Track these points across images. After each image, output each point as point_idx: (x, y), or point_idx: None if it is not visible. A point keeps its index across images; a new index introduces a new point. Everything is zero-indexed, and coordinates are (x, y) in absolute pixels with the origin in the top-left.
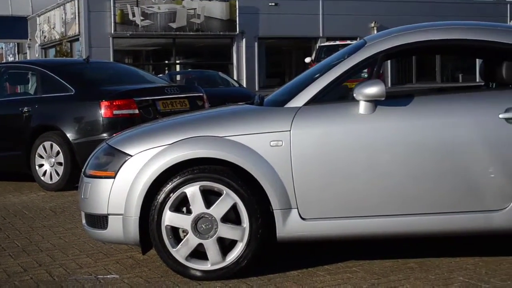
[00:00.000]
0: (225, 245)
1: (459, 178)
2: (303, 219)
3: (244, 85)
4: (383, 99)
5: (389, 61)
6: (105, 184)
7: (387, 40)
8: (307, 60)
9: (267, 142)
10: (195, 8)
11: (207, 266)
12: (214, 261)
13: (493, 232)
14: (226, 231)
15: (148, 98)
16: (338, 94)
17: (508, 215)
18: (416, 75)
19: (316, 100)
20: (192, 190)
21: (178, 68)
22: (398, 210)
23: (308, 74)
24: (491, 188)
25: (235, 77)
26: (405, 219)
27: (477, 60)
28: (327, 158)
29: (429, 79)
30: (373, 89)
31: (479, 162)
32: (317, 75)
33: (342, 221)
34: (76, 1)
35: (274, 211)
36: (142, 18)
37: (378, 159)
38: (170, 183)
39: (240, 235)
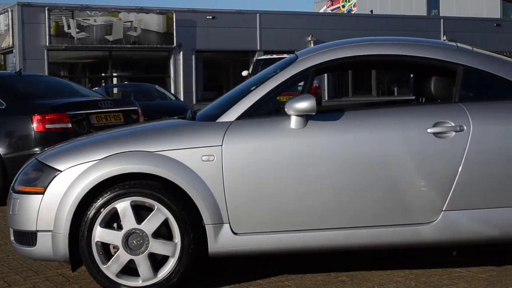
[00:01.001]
0: (157, 261)
1: (389, 192)
2: (235, 233)
3: (182, 99)
4: (314, 113)
5: (325, 74)
6: (34, 200)
7: (317, 55)
8: (244, 73)
9: (199, 157)
10: (132, 21)
11: (138, 282)
12: (145, 277)
13: (423, 245)
14: (158, 246)
15: (81, 112)
16: (271, 109)
17: (437, 228)
18: (353, 88)
19: (248, 114)
20: (123, 206)
21: (115, 81)
22: (330, 224)
23: (241, 89)
24: (420, 202)
25: (172, 90)
26: (336, 232)
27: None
28: (259, 173)
29: (365, 92)
30: (303, 104)
31: (408, 176)
32: (250, 89)
33: (274, 236)
34: (9, 13)
35: (206, 226)
36: (77, 30)
37: (309, 174)
38: (100, 199)
39: (172, 250)
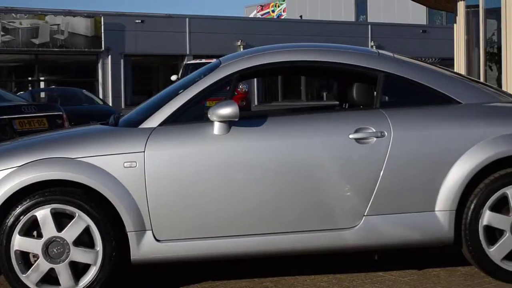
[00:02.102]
0: (78, 269)
1: (312, 197)
2: (158, 241)
3: (110, 103)
4: (236, 119)
5: (255, 79)
6: None
7: (240, 62)
8: (173, 77)
9: (121, 164)
10: (59, 24)
11: None
12: (66, 286)
13: (346, 250)
14: (79, 254)
15: (4, 117)
16: (194, 114)
17: (359, 233)
18: (282, 93)
19: (171, 120)
20: (43, 213)
21: (42, 85)
22: (253, 230)
23: (164, 94)
24: (342, 207)
25: (100, 95)
26: (260, 238)
27: None
28: (181, 180)
29: (295, 97)
30: (226, 110)
31: (330, 182)
32: (173, 95)
33: (197, 242)
34: None
35: (128, 233)
36: (2, 33)
37: (231, 180)
38: (20, 206)
39: (93, 258)
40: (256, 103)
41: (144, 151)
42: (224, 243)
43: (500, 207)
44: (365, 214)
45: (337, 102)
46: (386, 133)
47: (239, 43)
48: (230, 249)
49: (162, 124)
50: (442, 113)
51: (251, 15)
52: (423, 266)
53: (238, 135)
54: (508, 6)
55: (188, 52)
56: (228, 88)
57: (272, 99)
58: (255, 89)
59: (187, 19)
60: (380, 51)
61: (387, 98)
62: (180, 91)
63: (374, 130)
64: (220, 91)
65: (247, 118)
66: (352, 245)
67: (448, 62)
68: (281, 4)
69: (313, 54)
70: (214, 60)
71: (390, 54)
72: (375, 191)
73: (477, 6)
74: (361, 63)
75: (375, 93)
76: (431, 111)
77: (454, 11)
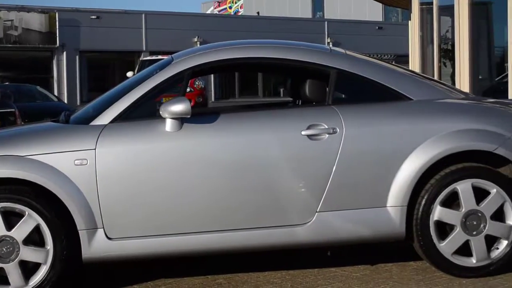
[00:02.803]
0: (29, 268)
1: (265, 194)
2: (109, 239)
3: (65, 100)
4: (188, 116)
5: (212, 75)
6: None
7: (192, 58)
8: (129, 74)
9: (72, 161)
10: (12, 20)
11: None
12: (15, 286)
13: (298, 246)
14: (29, 253)
15: None
16: (147, 111)
17: (312, 229)
18: (239, 89)
19: (122, 117)
20: None
21: None
22: (206, 227)
23: (117, 91)
24: (295, 203)
25: (55, 91)
26: (212, 235)
27: None
28: (133, 177)
29: (252, 93)
30: (178, 107)
31: (283, 178)
32: (125, 91)
33: (149, 240)
34: None
35: (79, 231)
36: None
37: (184, 177)
38: None
39: (44, 257)
40: (213, 99)
41: (95, 149)
42: (177, 240)
43: (450, 202)
44: (318, 210)
45: (291, 99)
46: (338, 130)
47: (196, 39)
48: (183, 247)
49: (113, 121)
50: (393, 109)
51: (208, 11)
52: (376, 261)
53: (190, 132)
54: (461, 3)
55: (144, 48)
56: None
57: (229, 95)
58: (212, 85)
59: (143, 15)
60: (333, 47)
61: (339, 94)
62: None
63: (326, 127)
64: (175, 88)
65: (199, 115)
66: (305, 241)
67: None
68: (238, 0)
69: (265, 51)
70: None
71: (342, 50)
72: (327, 188)
73: (431, 3)
74: (313, 60)
75: (327, 89)
76: (382, 107)
77: (409, 8)
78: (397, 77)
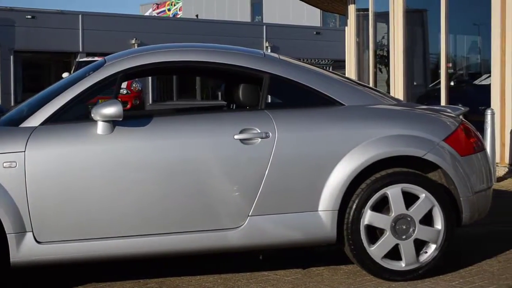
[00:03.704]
0: None
1: (197, 198)
2: (38, 242)
3: None
4: (120, 119)
5: (150, 78)
6: None
7: (125, 61)
8: (65, 75)
9: (0, 164)
10: None
11: None
12: None
13: (231, 250)
14: None
15: None
16: (79, 114)
17: (243, 233)
18: (177, 92)
19: (53, 119)
20: None
21: None
22: (138, 231)
23: (48, 93)
24: (227, 207)
25: None
26: (144, 239)
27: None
28: (63, 180)
29: (190, 96)
30: (110, 110)
31: (216, 182)
32: (57, 94)
33: (80, 244)
34: None
35: (7, 235)
36: None
37: (115, 181)
38: None
39: None
40: (150, 102)
41: (24, 151)
42: (108, 244)
43: (381, 207)
44: (250, 214)
45: (225, 103)
46: (270, 134)
47: (133, 41)
48: (114, 251)
49: (44, 123)
50: (325, 114)
51: (147, 13)
52: (307, 265)
53: (122, 135)
54: (396, 10)
55: (81, 50)
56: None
57: (167, 98)
58: (150, 88)
59: (80, 15)
60: (266, 52)
61: (272, 99)
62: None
63: (259, 131)
64: (109, 90)
65: (131, 118)
66: (237, 245)
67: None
68: (177, 3)
69: (198, 55)
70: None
71: (276, 55)
72: (259, 192)
73: (367, 9)
74: (247, 64)
75: (260, 94)
76: (315, 112)
77: (345, 14)
78: (330, 82)
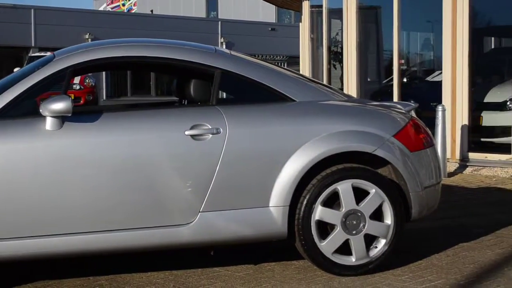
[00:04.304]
0: None
1: (147, 194)
2: None
3: None
4: (69, 115)
5: (104, 73)
6: None
7: (74, 56)
8: (16, 70)
9: None
10: None
11: None
12: None
13: (181, 246)
14: None
15: None
16: (28, 109)
17: (195, 229)
18: (132, 88)
19: (1, 115)
20: None
21: None
22: (87, 227)
23: None
24: (178, 203)
25: None
26: (94, 236)
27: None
28: (11, 176)
29: (145, 92)
30: (59, 105)
31: (166, 178)
32: (5, 89)
33: (24, 241)
34: None
35: None
36: None
37: (63, 177)
38: None
39: None
40: (104, 97)
41: None
42: (56, 241)
43: (332, 202)
44: (201, 210)
45: (177, 98)
46: (221, 130)
47: (87, 36)
48: (63, 248)
49: None
50: (276, 110)
51: (101, 8)
52: (259, 260)
53: (71, 130)
54: (349, 6)
55: (33, 44)
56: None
57: (121, 93)
58: (104, 83)
59: (32, 10)
60: (218, 48)
61: (223, 95)
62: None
63: (210, 127)
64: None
65: (81, 114)
66: (188, 241)
67: (296, 59)
68: None
69: (148, 50)
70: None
71: (227, 51)
72: (210, 188)
73: (321, 6)
74: (197, 60)
75: (211, 90)
76: (266, 108)
77: (300, 10)
78: (281, 78)
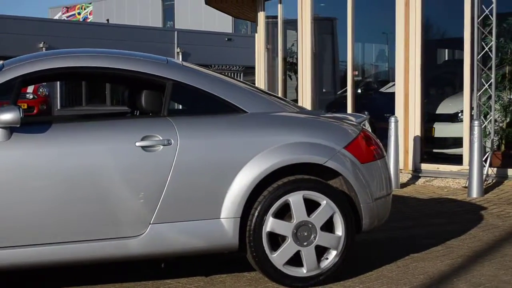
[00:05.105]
0: None
1: (97, 206)
2: None
3: None
4: (18, 125)
5: (58, 82)
6: None
7: (23, 66)
8: None
9: None
10: None
11: None
12: None
13: (132, 258)
14: None
15: None
16: None
17: (145, 241)
18: (87, 97)
19: None
20: None
21: None
22: (36, 240)
23: None
24: (128, 215)
25: None
26: (43, 248)
27: None
28: None
29: (100, 102)
30: (7, 116)
31: (116, 190)
32: None
33: None
34: None
35: None
36: None
37: (11, 189)
38: None
39: None
40: (58, 107)
41: None
42: (4, 254)
43: (283, 214)
44: (151, 222)
45: (129, 109)
46: (172, 141)
47: (41, 45)
48: (11, 260)
49: None
50: (228, 122)
51: (56, 17)
52: (210, 272)
53: (19, 141)
54: (304, 18)
55: None
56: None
57: (76, 103)
58: (58, 93)
59: None
60: (169, 58)
61: (175, 106)
62: None
63: (161, 138)
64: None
65: (31, 124)
66: (138, 253)
67: (253, 70)
68: (87, 6)
69: (100, 61)
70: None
71: (179, 62)
72: (161, 199)
73: (277, 17)
74: (149, 71)
75: (163, 101)
76: (217, 119)
77: (255, 21)
78: (233, 90)
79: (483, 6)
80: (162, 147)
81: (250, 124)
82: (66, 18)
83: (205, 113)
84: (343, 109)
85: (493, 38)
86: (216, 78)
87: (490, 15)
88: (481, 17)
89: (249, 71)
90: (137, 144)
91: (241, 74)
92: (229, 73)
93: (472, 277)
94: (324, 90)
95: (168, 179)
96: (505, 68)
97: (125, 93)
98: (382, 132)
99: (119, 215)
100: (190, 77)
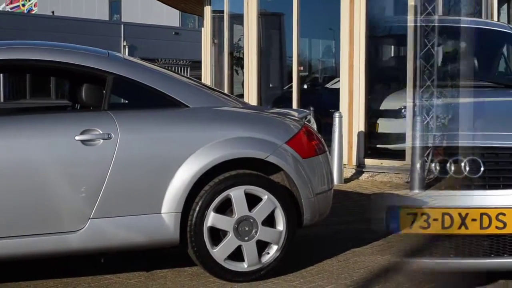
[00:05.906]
0: None
1: (36, 200)
2: None
3: None
4: None
5: (1, 74)
6: None
7: None
8: None
9: None
10: None
11: None
12: None
13: (71, 253)
14: None
15: None
16: None
17: (84, 236)
18: (31, 90)
19: None
20: None
21: None
22: None
23: None
24: (67, 210)
25: None
26: None
27: None
28: None
29: (44, 95)
30: None
31: (55, 184)
32: None
33: None
34: None
35: None
36: None
37: None
38: None
39: None
40: (2, 99)
41: None
42: None
43: (224, 208)
44: (91, 217)
45: (70, 103)
46: (113, 135)
47: None
48: None
49: None
50: (169, 116)
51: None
52: (151, 267)
53: None
54: (250, 12)
55: None
56: None
57: (20, 96)
58: (1, 85)
59: None
60: (111, 52)
61: (115, 100)
62: None
63: (101, 132)
64: None
65: None
66: (77, 249)
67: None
68: None
69: (39, 53)
70: None
71: (120, 55)
72: (101, 194)
73: (223, 11)
74: (89, 64)
75: (104, 94)
76: (158, 114)
77: (202, 15)
78: (175, 84)
79: (426, 4)
80: (102, 141)
81: (192, 118)
82: (10, 10)
83: (146, 107)
84: (290, 104)
85: (436, 35)
86: (158, 72)
87: (432, 12)
88: (425, 14)
89: (196, 65)
90: (77, 138)
91: (188, 68)
92: (176, 67)
93: (411, 271)
94: (271, 85)
95: (108, 173)
96: (447, 66)
97: (66, 87)
98: (327, 127)
99: (58, 210)
100: (131, 71)
